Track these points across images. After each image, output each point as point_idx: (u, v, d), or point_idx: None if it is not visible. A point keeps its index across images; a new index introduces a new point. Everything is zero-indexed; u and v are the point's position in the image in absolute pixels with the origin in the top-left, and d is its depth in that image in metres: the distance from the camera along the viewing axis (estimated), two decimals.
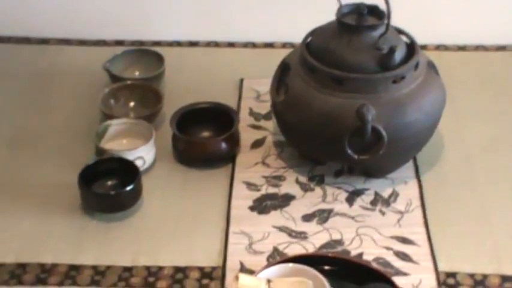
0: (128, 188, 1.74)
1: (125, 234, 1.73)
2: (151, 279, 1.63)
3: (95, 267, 1.65)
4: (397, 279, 1.60)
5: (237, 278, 1.44)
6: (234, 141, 1.92)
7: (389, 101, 1.72)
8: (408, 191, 1.83)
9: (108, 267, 1.65)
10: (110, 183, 1.80)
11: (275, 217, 1.77)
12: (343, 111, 1.71)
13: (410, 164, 1.89)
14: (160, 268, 1.65)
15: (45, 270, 1.64)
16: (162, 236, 1.72)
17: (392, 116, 1.71)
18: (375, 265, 1.64)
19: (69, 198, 1.79)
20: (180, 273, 1.64)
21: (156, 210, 1.79)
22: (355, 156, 1.73)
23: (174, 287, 1.61)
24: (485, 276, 1.63)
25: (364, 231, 1.73)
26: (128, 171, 1.78)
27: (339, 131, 1.71)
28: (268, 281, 1.46)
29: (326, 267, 1.60)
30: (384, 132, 1.69)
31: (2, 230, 1.73)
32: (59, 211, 1.77)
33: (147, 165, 1.86)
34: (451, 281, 1.63)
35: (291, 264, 1.53)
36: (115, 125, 1.91)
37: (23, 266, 1.65)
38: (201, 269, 1.65)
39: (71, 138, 1.97)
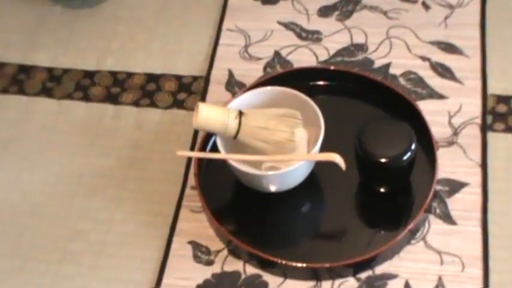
0: None
1: (93, 27, 1.37)
2: (115, 89, 1.30)
3: (50, 70, 1.33)
4: (427, 104, 1.21)
5: (197, 108, 1.09)
6: None
7: None
8: None
9: (66, 71, 1.32)
10: None
11: (284, 9, 1.36)
12: None
13: None
14: (129, 75, 1.31)
15: None
16: (137, 32, 1.36)
17: None
18: (398, 84, 1.25)
19: None
20: (152, 83, 1.30)
21: None
22: None
23: (142, 103, 1.28)
24: None
25: (397, 32, 1.31)
26: None
27: None
28: (241, 114, 1.10)
29: (329, 83, 1.23)
30: None
31: None
32: None
33: None
34: (502, 108, 1.22)
35: (269, 88, 1.16)
36: None
37: None
38: (179, 78, 1.30)
39: None
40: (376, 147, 1.09)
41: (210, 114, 1.09)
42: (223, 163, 1.12)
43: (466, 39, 1.29)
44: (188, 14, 1.37)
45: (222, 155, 1.10)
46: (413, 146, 1.09)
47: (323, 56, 1.30)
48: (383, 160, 1.08)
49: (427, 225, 1.12)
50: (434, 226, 1.12)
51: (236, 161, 1.10)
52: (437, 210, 1.13)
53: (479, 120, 1.21)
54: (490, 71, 1.25)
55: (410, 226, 1.09)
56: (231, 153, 1.11)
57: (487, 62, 1.26)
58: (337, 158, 1.08)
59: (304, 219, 1.15)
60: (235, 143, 1.12)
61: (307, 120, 1.13)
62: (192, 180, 1.17)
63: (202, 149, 1.17)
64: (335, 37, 1.32)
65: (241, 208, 1.16)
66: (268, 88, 1.16)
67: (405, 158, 1.09)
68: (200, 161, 1.17)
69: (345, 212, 1.14)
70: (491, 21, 1.31)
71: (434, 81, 1.25)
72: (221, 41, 1.33)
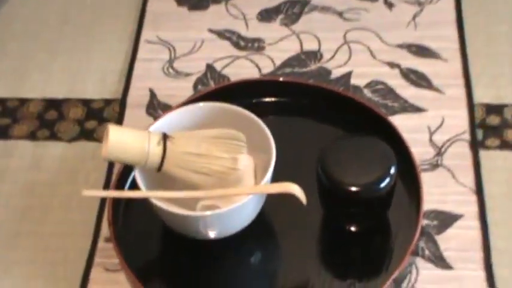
0: None
1: None
2: (3, 121, 1.01)
3: None
4: (401, 120, 0.97)
5: (107, 132, 0.82)
6: None
7: None
8: None
9: None
10: None
11: (216, 14, 1.11)
12: None
13: None
14: (23, 102, 1.04)
15: None
16: (34, 50, 1.09)
17: None
18: (363, 96, 1.00)
19: None
20: (52, 110, 1.02)
21: (30, 7, 1.15)
22: None
23: (39, 136, 1.00)
24: None
25: (356, 36, 1.07)
26: None
27: None
28: (165, 137, 0.84)
29: (278, 100, 0.98)
30: None
31: None
32: None
33: None
34: (494, 120, 0.98)
35: (201, 104, 0.90)
36: None
37: None
38: (86, 103, 1.03)
39: None
40: (345, 172, 0.83)
41: (125, 140, 0.82)
42: (146, 205, 0.85)
43: (441, 40, 1.06)
44: (98, 26, 1.11)
45: (142, 192, 0.83)
46: (392, 170, 0.84)
47: (267, 68, 1.04)
48: (354, 189, 0.82)
49: (414, 271, 0.86)
50: (425, 272, 0.86)
51: (161, 200, 0.83)
52: (426, 252, 0.88)
53: (467, 136, 0.96)
54: (474, 76, 1.02)
55: (394, 274, 0.83)
56: (156, 191, 0.84)
57: (469, 65, 1.03)
58: (295, 189, 0.82)
59: (255, 274, 0.88)
60: (162, 176, 0.85)
61: (253, 144, 0.86)
62: (105, 230, 0.90)
63: (119, 188, 0.90)
64: (281, 45, 1.07)
65: (171, 263, 0.88)
66: (200, 105, 0.90)
67: (383, 185, 0.83)
68: (116, 204, 0.89)
69: (307, 261, 0.87)
70: (470, 18, 1.08)
71: (408, 92, 1.01)
72: (139, 56, 1.07)
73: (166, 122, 0.88)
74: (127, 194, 0.86)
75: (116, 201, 0.89)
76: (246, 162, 0.87)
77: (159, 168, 0.83)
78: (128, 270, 0.84)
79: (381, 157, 0.84)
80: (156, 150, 0.82)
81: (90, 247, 0.89)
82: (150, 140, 0.82)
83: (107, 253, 0.88)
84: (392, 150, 0.85)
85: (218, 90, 0.98)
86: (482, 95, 1.00)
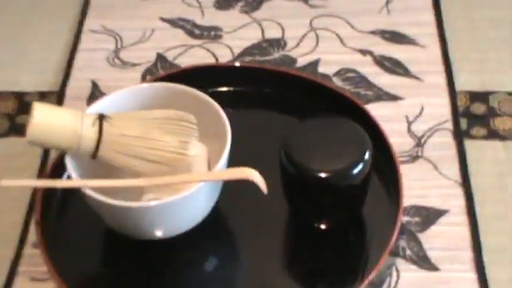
0: None
1: None
2: None
3: None
4: (376, 108, 0.86)
5: (32, 110, 0.70)
6: None
7: None
8: None
9: None
10: None
11: (168, 3, 1.00)
12: None
13: None
14: None
15: None
16: None
17: None
18: (333, 83, 0.89)
19: None
20: None
21: None
22: None
23: None
24: None
25: (324, 23, 0.96)
26: None
27: None
28: (101, 118, 0.72)
29: (236, 89, 0.87)
30: None
31: None
32: None
33: None
34: (479, 108, 0.88)
35: (146, 85, 0.78)
36: None
37: None
38: (19, 96, 0.91)
39: None
40: (312, 157, 0.71)
41: (52, 120, 0.70)
42: (84, 204, 0.73)
43: (418, 26, 0.95)
44: (36, 14, 1.00)
45: (71, 182, 0.70)
46: (367, 155, 0.72)
47: (226, 57, 0.93)
48: (323, 175, 0.71)
49: (395, 274, 0.74)
50: (406, 275, 0.74)
51: (97, 191, 0.70)
52: (408, 252, 0.76)
53: (449, 125, 0.85)
54: (455, 62, 0.91)
55: (370, 277, 0.71)
56: (89, 180, 0.72)
57: (449, 51, 0.93)
58: (253, 174, 0.70)
59: (209, 280, 0.75)
60: (100, 166, 0.72)
61: (206, 130, 0.75)
62: (33, 234, 0.77)
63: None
64: (240, 33, 0.96)
65: (111, 271, 0.75)
66: (145, 85, 0.79)
67: (356, 171, 0.71)
68: (47, 202, 0.77)
69: (270, 264, 0.75)
70: (447, 2, 0.97)
71: (382, 79, 0.90)
72: (82, 46, 0.95)
73: (105, 105, 0.76)
74: (54, 183, 0.74)
75: (47, 199, 0.77)
76: (197, 150, 0.75)
77: (94, 154, 0.71)
78: (58, 279, 0.71)
79: (353, 140, 0.73)
80: (90, 133, 0.70)
81: (15, 253, 0.76)
82: (83, 120, 0.70)
83: (34, 260, 0.75)
84: (366, 133, 0.74)
85: (167, 77, 0.85)
86: (465, 82, 0.89)
